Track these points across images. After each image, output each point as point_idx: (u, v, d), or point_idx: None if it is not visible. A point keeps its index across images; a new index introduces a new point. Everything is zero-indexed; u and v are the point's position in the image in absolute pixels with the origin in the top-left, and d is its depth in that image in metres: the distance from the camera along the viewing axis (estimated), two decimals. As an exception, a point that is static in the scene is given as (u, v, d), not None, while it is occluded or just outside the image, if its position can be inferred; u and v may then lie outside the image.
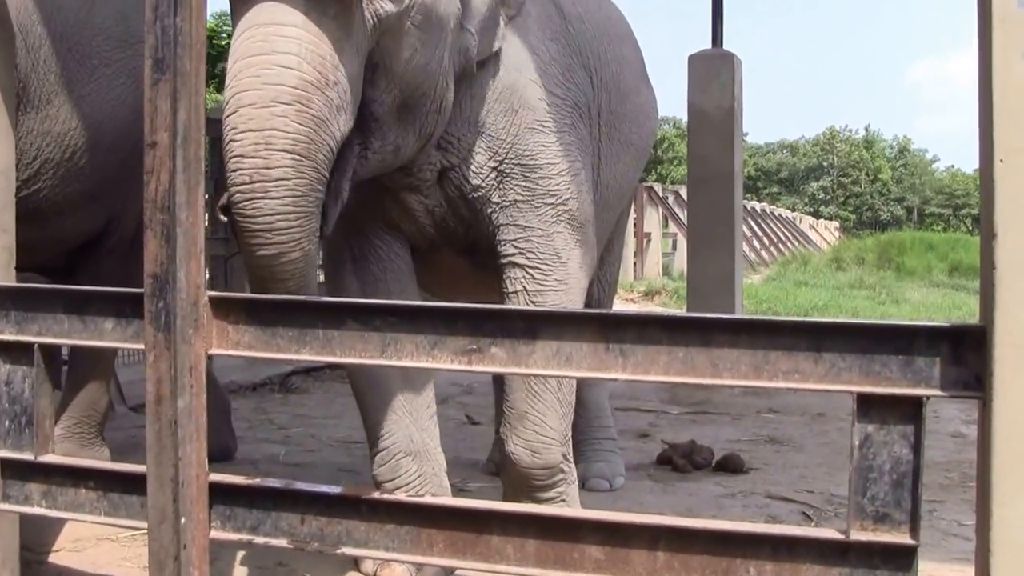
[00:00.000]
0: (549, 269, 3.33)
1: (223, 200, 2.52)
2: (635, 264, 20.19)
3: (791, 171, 63.93)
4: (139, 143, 2.30)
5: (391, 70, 2.81)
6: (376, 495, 2.31)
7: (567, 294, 3.36)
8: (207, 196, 7.67)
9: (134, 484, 2.37)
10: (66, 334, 2.44)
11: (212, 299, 2.29)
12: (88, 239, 4.29)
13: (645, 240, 20.94)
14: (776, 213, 35.95)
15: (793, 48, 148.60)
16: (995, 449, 1.77)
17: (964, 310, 15.76)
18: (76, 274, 4.24)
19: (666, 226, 22.95)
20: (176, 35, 2.21)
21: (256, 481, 2.38)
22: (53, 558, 3.55)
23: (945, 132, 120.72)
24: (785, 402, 6.82)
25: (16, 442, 2.47)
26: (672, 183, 31.36)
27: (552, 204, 3.33)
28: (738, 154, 8.79)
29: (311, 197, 2.53)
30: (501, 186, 3.29)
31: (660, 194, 22.84)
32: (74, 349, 4.32)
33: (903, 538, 1.90)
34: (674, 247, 22.74)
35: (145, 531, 2.30)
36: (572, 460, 3.48)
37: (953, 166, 69.77)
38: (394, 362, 2.18)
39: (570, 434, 3.45)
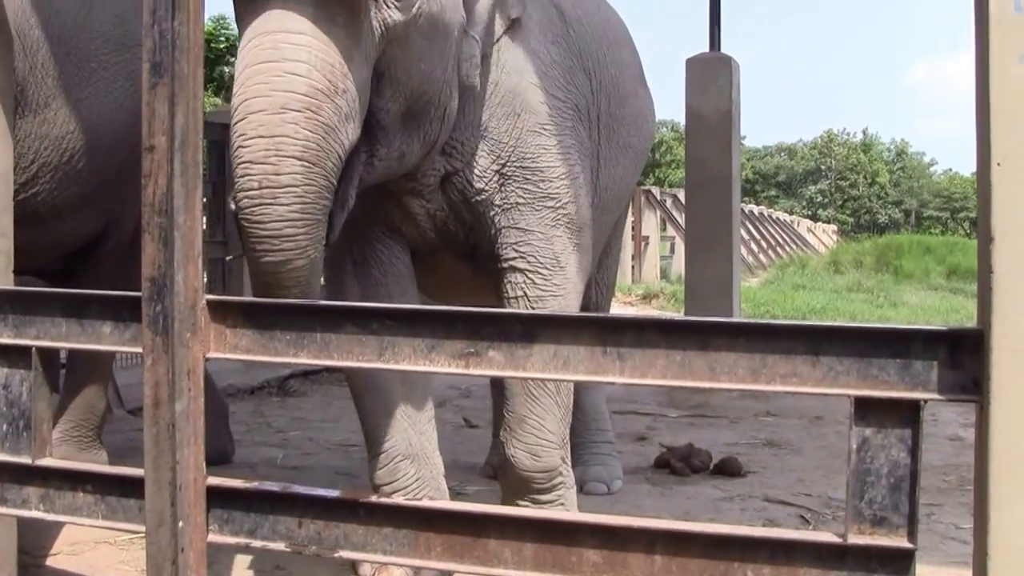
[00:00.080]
0: (549, 273, 3.34)
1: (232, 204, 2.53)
2: (633, 267, 20.20)
3: (789, 174, 64.01)
4: (137, 147, 2.29)
5: (396, 78, 2.82)
6: (374, 499, 2.31)
7: (565, 299, 3.36)
8: (205, 200, 7.66)
9: (132, 487, 2.36)
10: (64, 338, 2.44)
11: (210, 303, 2.29)
12: (86, 242, 4.29)
13: (643, 243, 20.95)
14: (774, 216, 35.95)
15: (791, 51, 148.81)
16: (992, 453, 1.77)
17: (962, 313, 15.77)
18: (74, 277, 4.24)
19: (664, 229, 22.96)
20: (174, 39, 2.21)
21: (254, 485, 2.37)
22: (51, 562, 3.55)
23: (943, 135, 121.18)
24: (783, 405, 6.82)
25: (14, 446, 2.47)
26: (670, 186, 31.35)
27: (551, 207, 3.34)
28: (736, 157, 8.80)
29: (319, 205, 2.53)
30: (503, 188, 3.30)
31: (658, 197, 22.85)
32: (72, 352, 4.32)
33: (901, 542, 1.90)
34: (672, 250, 22.74)
35: (143, 535, 2.30)
36: (570, 464, 3.49)
37: (951, 169, 69.98)
38: (391, 366, 2.18)
39: (568, 438, 3.46)
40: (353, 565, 3.36)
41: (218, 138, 8.37)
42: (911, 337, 1.90)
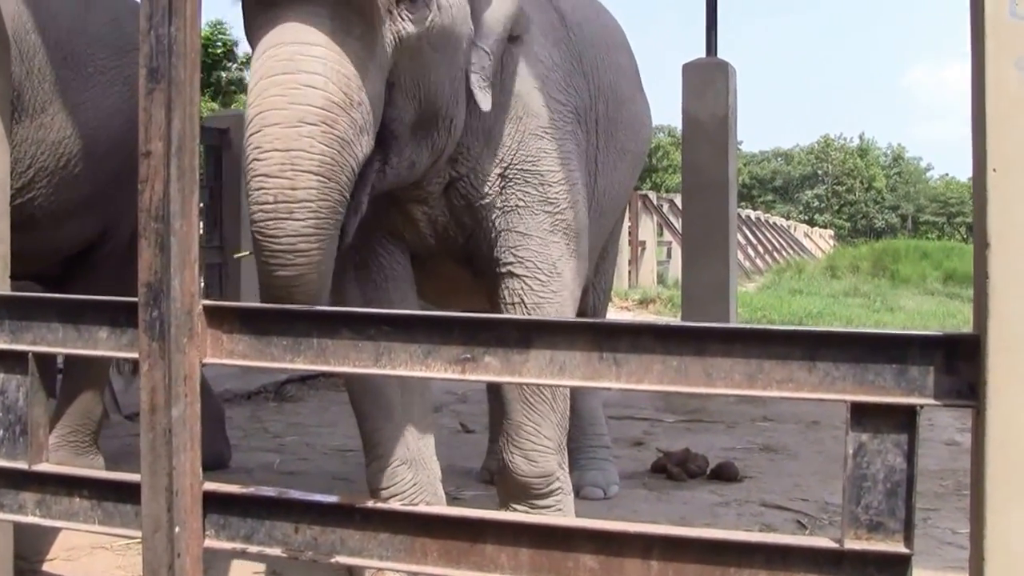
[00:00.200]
0: (546, 279, 3.34)
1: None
2: (630, 272, 20.20)
3: (786, 179, 64.04)
4: (134, 152, 2.30)
5: (407, 89, 2.82)
6: (370, 504, 2.31)
7: (562, 305, 3.36)
8: (201, 205, 7.66)
9: (128, 493, 2.36)
10: (60, 343, 2.44)
11: (206, 308, 2.29)
12: (83, 247, 4.29)
13: (640, 248, 20.96)
14: (771, 221, 35.98)
15: (788, 56, 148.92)
16: (989, 458, 1.78)
17: (959, 318, 15.78)
18: (70, 282, 4.24)
19: (661, 234, 22.97)
20: (171, 44, 2.21)
21: (250, 490, 2.37)
22: (47, 567, 3.55)
23: (940, 139, 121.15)
24: (780, 410, 6.82)
25: (10, 451, 2.47)
26: (667, 191, 31.36)
27: (549, 212, 3.34)
28: (732, 162, 8.79)
29: (333, 219, 2.53)
30: (504, 191, 3.30)
31: (655, 202, 22.87)
32: (68, 357, 4.32)
33: (897, 547, 1.91)
34: (669, 255, 22.76)
35: (139, 540, 2.30)
36: (567, 469, 3.49)
37: (947, 174, 70.02)
38: (388, 371, 2.18)
39: (565, 443, 3.46)
40: (349, 571, 3.36)
41: (215, 143, 8.39)
42: (907, 342, 1.90)
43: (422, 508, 2.54)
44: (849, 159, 63.86)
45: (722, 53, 9.04)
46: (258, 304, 2.40)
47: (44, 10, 3.76)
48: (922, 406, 1.89)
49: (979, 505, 1.80)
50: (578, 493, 4.22)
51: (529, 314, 3.29)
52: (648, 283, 20.33)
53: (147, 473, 2.25)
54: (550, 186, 3.34)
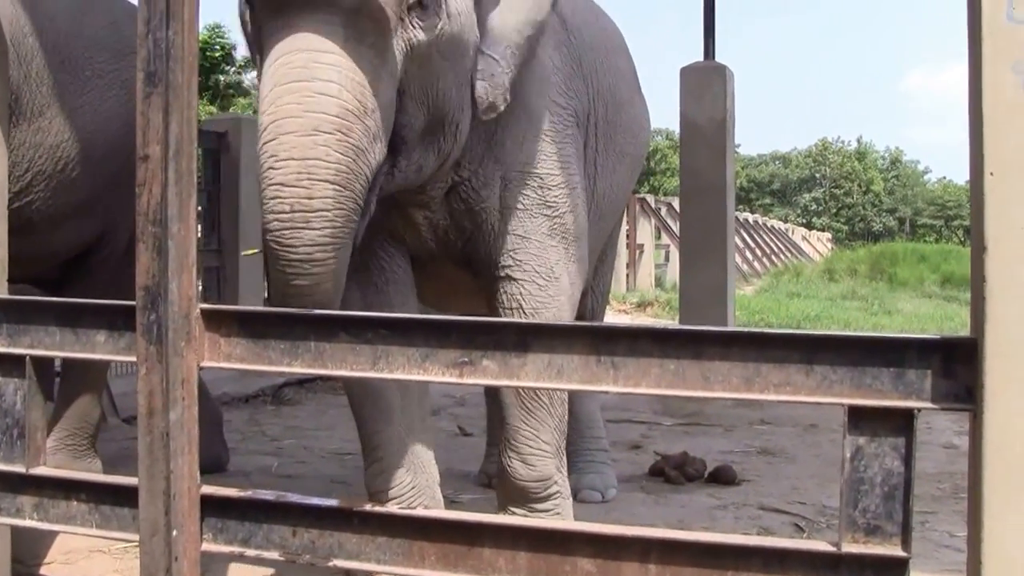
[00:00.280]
0: (544, 283, 3.34)
1: None
2: (628, 275, 20.21)
3: (783, 182, 64.10)
4: (131, 155, 2.30)
5: (416, 96, 2.81)
6: (368, 507, 2.31)
7: (560, 309, 3.37)
8: (199, 208, 7.66)
9: (126, 496, 2.36)
10: (58, 346, 2.44)
11: (204, 311, 2.29)
12: (81, 251, 4.29)
13: (638, 251, 20.97)
14: (768, 224, 36.01)
15: (785, 60, 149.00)
16: (986, 462, 1.78)
17: (956, 321, 15.78)
18: (68, 286, 4.24)
19: (659, 237, 22.98)
20: (168, 48, 2.21)
21: (248, 493, 2.37)
22: (45, 570, 3.54)
23: (938, 142, 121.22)
24: (777, 413, 6.82)
25: (8, 454, 2.47)
26: (665, 195, 31.42)
27: (548, 216, 3.35)
28: (730, 166, 8.80)
29: (348, 228, 2.53)
30: (504, 194, 3.31)
31: (653, 206, 22.89)
32: (66, 361, 4.31)
33: (894, 550, 1.91)
34: (667, 258, 22.77)
35: (137, 543, 2.30)
36: (566, 473, 3.49)
37: (945, 177, 70.08)
38: (385, 375, 2.18)
39: (564, 447, 3.46)
40: (347, 574, 3.36)
41: (213, 146, 8.38)
42: (905, 346, 1.90)
43: (420, 512, 2.53)
44: (847, 162, 63.92)
45: (720, 56, 9.05)
46: (256, 308, 2.41)
47: (42, 13, 3.76)
48: (919, 409, 1.89)
49: (976, 508, 1.80)
50: (576, 496, 4.21)
51: (527, 318, 3.29)
52: (646, 286, 20.35)
53: (145, 477, 2.25)
54: (550, 189, 3.35)
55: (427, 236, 3.39)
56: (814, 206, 62.66)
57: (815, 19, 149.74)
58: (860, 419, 1.91)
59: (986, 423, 1.78)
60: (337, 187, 2.46)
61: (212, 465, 4.79)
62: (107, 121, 4.04)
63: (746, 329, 2.02)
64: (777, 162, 66.23)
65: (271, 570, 3.44)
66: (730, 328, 2.41)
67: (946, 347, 1.88)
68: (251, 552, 2.33)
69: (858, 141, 67.26)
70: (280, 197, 2.43)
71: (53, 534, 3.51)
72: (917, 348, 1.90)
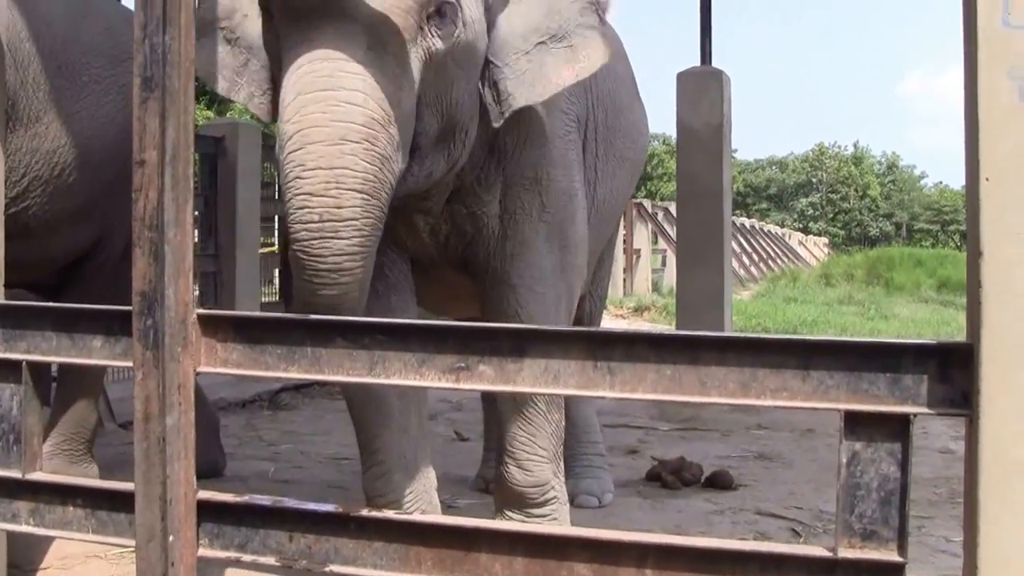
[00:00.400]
0: (543, 290, 3.34)
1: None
2: (625, 280, 20.20)
3: (780, 187, 64.12)
4: (128, 161, 2.30)
5: (431, 104, 2.82)
6: (364, 512, 2.31)
7: (557, 316, 3.37)
8: (196, 213, 7.66)
9: (122, 502, 2.36)
10: (55, 352, 2.44)
11: (200, 317, 2.29)
12: (78, 256, 4.28)
13: (635, 256, 20.96)
14: (765, 229, 36.03)
15: (782, 65, 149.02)
16: (982, 467, 1.78)
17: (952, 326, 15.81)
18: (64, 291, 4.23)
19: (655, 242, 23.00)
20: (165, 53, 2.21)
21: (244, 499, 2.37)
22: (40, 576, 3.54)
23: (934, 147, 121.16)
24: (774, 418, 6.82)
25: (4, 459, 2.47)
26: (662, 199, 31.39)
27: (548, 222, 3.35)
28: (727, 170, 8.82)
29: (375, 237, 2.54)
30: (505, 199, 3.31)
31: (650, 210, 22.90)
32: (63, 366, 4.31)
33: (891, 555, 1.91)
34: (663, 263, 22.77)
35: (133, 549, 2.30)
36: (563, 479, 3.49)
37: (941, 182, 70.02)
38: (382, 380, 2.18)
39: (561, 452, 3.46)
40: (344, 579, 3.36)
41: (210, 151, 8.38)
42: (901, 351, 1.90)
43: (417, 517, 2.54)
44: (844, 167, 63.94)
45: (717, 60, 9.07)
46: (252, 313, 2.41)
47: (39, 19, 3.76)
48: (916, 415, 1.89)
49: (972, 513, 1.80)
50: (573, 501, 4.22)
51: (524, 324, 3.29)
52: (643, 291, 20.35)
53: (141, 482, 2.25)
54: (550, 195, 3.35)
55: (428, 241, 3.40)
56: (811, 211, 62.69)
57: (811, 23, 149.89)
58: (856, 424, 1.92)
59: (982, 428, 1.78)
60: (365, 196, 2.47)
61: (209, 470, 4.79)
62: (104, 126, 4.04)
63: (743, 334, 2.02)
64: (774, 167, 66.22)
65: None
66: (727, 333, 2.42)
67: (942, 352, 1.88)
68: (247, 557, 2.32)
69: (855, 146, 67.29)
70: (309, 207, 2.43)
71: (49, 539, 3.50)
72: (913, 353, 1.90)
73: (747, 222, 33.34)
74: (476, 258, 3.39)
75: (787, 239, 38.77)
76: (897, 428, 1.90)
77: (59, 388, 4.47)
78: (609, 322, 13.95)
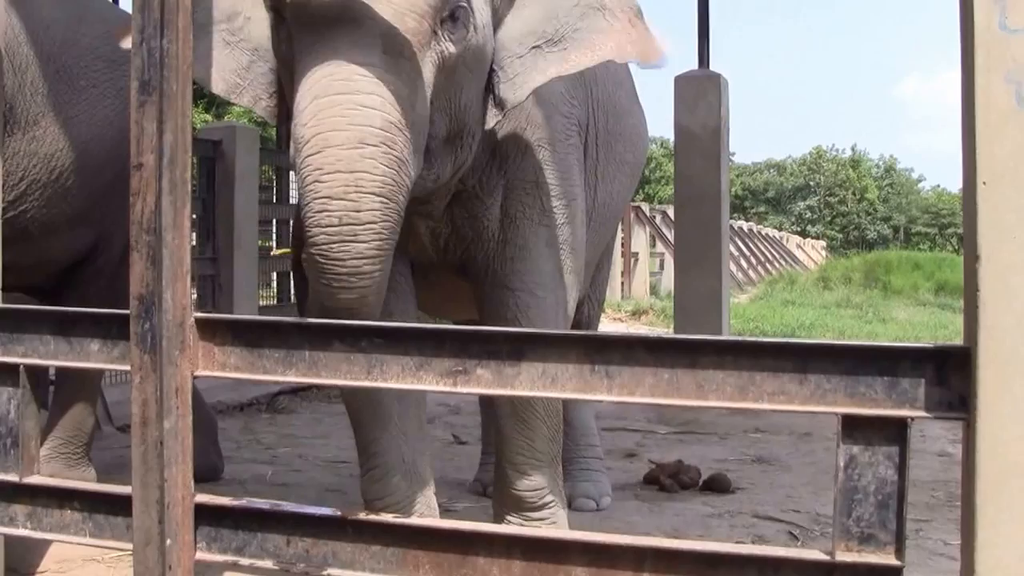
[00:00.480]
0: (542, 294, 3.34)
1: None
2: (623, 284, 20.22)
3: (778, 190, 64.06)
4: (126, 164, 2.30)
5: (441, 107, 2.82)
6: (362, 516, 2.31)
7: (556, 320, 3.37)
8: (194, 217, 7.66)
9: (120, 505, 2.36)
10: (52, 355, 2.43)
11: (198, 320, 2.29)
12: (76, 260, 4.28)
13: (633, 260, 20.98)
14: (763, 232, 36.04)
15: (780, 68, 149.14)
16: (979, 471, 1.78)
17: (950, 329, 15.80)
18: (62, 295, 4.23)
19: (653, 246, 23.01)
20: (162, 57, 2.21)
21: (242, 502, 2.37)
22: (38, 580, 3.54)
23: (932, 150, 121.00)
24: (772, 422, 6.83)
25: (1, 463, 2.46)
26: (659, 203, 31.40)
27: (547, 226, 3.35)
28: (725, 174, 8.82)
29: (393, 241, 2.53)
30: (505, 203, 3.32)
31: (647, 214, 22.92)
32: (61, 369, 4.31)
33: (888, 559, 1.91)
34: (661, 266, 22.80)
35: (131, 552, 2.29)
36: (561, 483, 3.49)
37: (939, 185, 69.98)
38: (379, 384, 2.18)
39: (559, 455, 3.46)
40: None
41: (208, 155, 8.39)
42: (898, 355, 1.90)
43: (414, 520, 2.53)
44: (841, 170, 63.89)
45: (714, 63, 9.07)
46: (250, 316, 2.40)
47: (37, 23, 3.77)
48: (913, 418, 1.89)
49: (970, 517, 1.80)
50: (570, 504, 4.22)
51: (523, 328, 3.29)
52: (641, 294, 20.36)
53: (138, 485, 2.25)
54: (550, 199, 3.36)
55: (428, 244, 3.40)
56: (808, 214, 62.64)
57: (808, 27, 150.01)
58: (854, 428, 1.91)
59: (979, 432, 1.78)
60: (384, 199, 2.46)
61: (207, 474, 4.79)
62: (102, 130, 4.04)
63: (740, 338, 2.02)
64: (772, 170, 66.16)
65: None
66: (724, 337, 2.42)
67: (940, 356, 1.88)
68: (245, 561, 2.32)
69: (852, 149, 67.15)
70: (328, 210, 2.42)
71: (47, 543, 3.50)
72: (911, 357, 1.90)
73: (745, 225, 33.37)
74: (475, 261, 3.39)
75: (785, 242, 38.79)
76: (895, 431, 1.90)
77: (57, 391, 4.47)
78: (607, 325, 13.96)
